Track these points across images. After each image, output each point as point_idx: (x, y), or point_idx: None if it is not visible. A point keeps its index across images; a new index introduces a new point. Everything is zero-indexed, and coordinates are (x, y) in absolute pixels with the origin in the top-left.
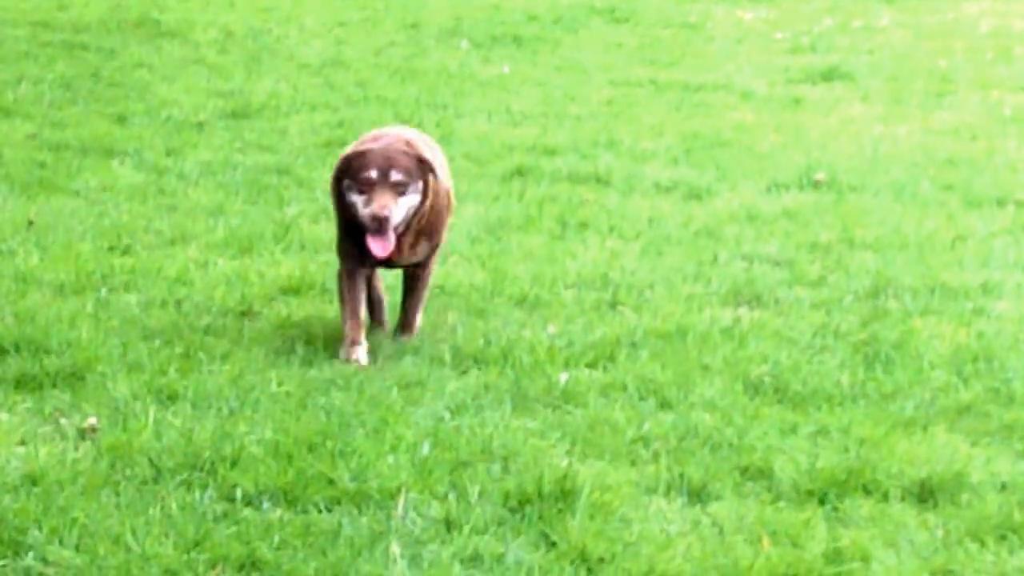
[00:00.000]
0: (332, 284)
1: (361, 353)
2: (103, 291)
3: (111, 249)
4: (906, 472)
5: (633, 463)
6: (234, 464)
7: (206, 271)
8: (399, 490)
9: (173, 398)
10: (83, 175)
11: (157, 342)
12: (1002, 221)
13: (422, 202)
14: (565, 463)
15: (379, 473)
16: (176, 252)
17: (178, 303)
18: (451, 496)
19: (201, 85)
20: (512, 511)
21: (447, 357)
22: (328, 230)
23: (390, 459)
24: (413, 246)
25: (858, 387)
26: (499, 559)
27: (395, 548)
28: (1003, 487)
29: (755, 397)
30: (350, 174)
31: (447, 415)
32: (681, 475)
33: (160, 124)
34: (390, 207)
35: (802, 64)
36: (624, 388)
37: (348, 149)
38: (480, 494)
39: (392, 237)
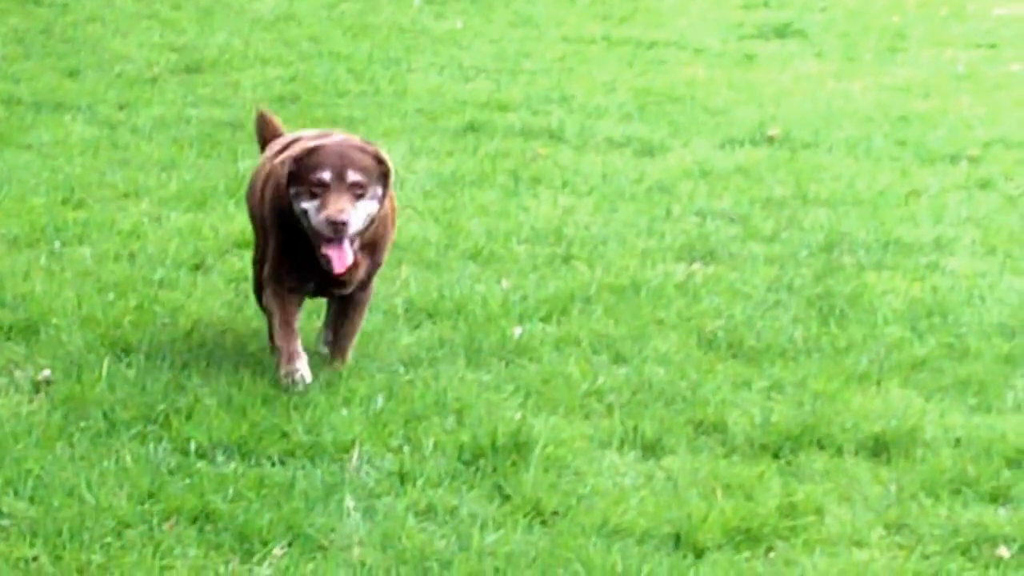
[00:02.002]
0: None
1: (303, 366)
2: (56, 244)
3: (64, 203)
4: (860, 426)
5: (587, 417)
6: (188, 417)
7: (159, 225)
8: (353, 443)
9: (127, 351)
10: (36, 129)
11: (111, 295)
12: (955, 177)
13: (379, 209)
14: (519, 417)
15: (333, 426)
16: (129, 206)
17: (131, 256)
18: (405, 449)
19: (154, 40)
20: (466, 464)
21: (401, 311)
22: None
23: (344, 412)
24: (356, 264)
25: (812, 342)
26: (453, 512)
27: (349, 501)
28: (957, 442)
29: (709, 352)
30: (299, 177)
31: (401, 369)
32: (635, 429)
33: (113, 79)
34: (348, 211)
35: (755, 20)
36: (578, 342)
37: (292, 151)
38: (434, 447)
39: (349, 249)
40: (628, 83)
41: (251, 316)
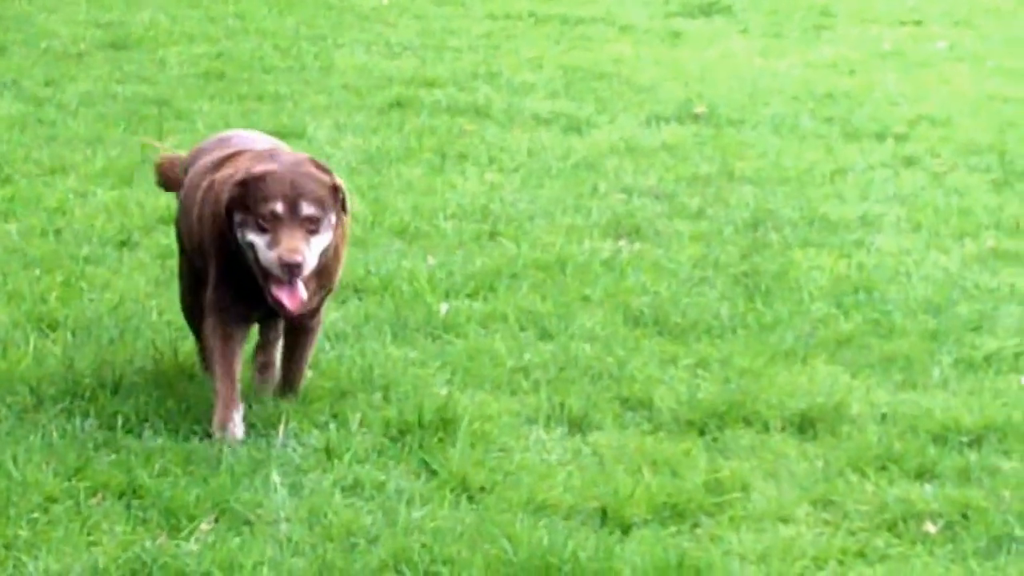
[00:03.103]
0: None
1: (237, 423)
2: None
3: None
4: (786, 403)
5: (513, 393)
6: (115, 392)
7: (85, 201)
8: (280, 419)
9: (53, 326)
10: None
11: (37, 271)
12: (881, 154)
13: (332, 240)
14: (445, 393)
15: (260, 402)
16: (55, 182)
17: (58, 232)
18: (331, 425)
19: (80, 16)
20: (392, 440)
21: None
22: None
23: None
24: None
25: (738, 319)
26: (380, 487)
27: (276, 476)
28: (883, 418)
29: (635, 328)
30: (246, 205)
31: (327, 345)
32: (561, 405)
33: (39, 55)
34: (302, 251)
35: None
36: (504, 319)
37: (235, 172)
38: (360, 423)
39: (302, 288)
40: (555, 60)
41: (176, 293)
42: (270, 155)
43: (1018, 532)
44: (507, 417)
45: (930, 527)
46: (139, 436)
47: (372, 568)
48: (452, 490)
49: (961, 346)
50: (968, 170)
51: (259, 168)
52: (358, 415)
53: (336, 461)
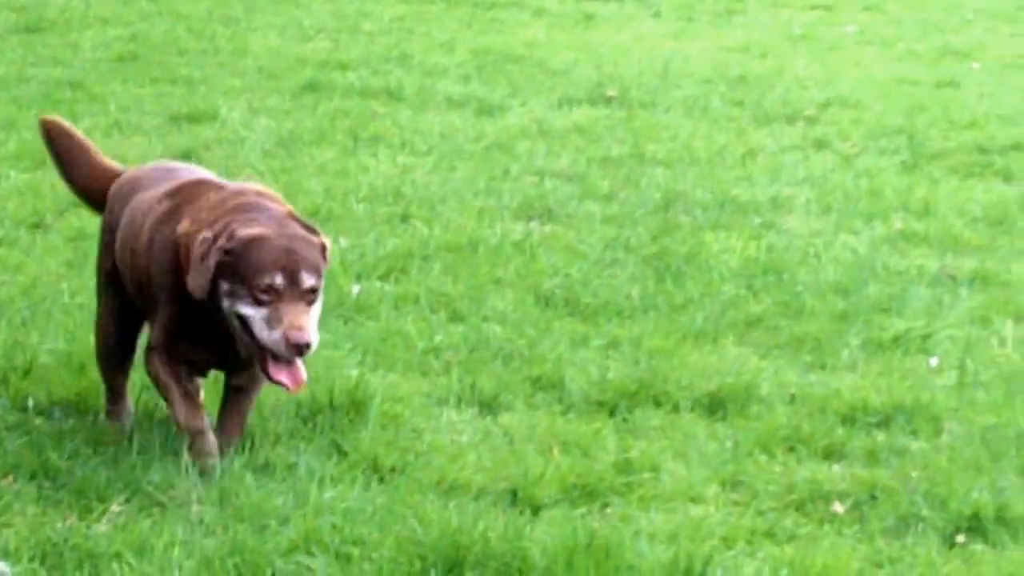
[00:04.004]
0: None
1: (213, 444)
2: None
3: None
4: (696, 384)
5: (424, 374)
6: (26, 374)
7: None
8: None
9: None
10: None
11: None
12: (792, 137)
13: None
14: (356, 374)
15: None
16: None
17: None
18: None
19: None
20: (304, 421)
21: None
22: (122, 146)
23: None
24: None
25: (648, 300)
26: (291, 469)
27: (187, 458)
28: (792, 399)
29: (546, 309)
30: (236, 273)
31: None
32: (472, 386)
33: None
34: (308, 329)
35: None
36: (416, 300)
37: (216, 230)
38: (272, 404)
39: (303, 366)
40: (467, 43)
41: (89, 275)
42: (244, 206)
43: (925, 512)
44: (418, 398)
45: (838, 507)
46: (50, 418)
47: (283, 548)
48: (363, 471)
49: (870, 327)
50: (878, 152)
51: (247, 232)
52: (273, 399)
53: (248, 442)
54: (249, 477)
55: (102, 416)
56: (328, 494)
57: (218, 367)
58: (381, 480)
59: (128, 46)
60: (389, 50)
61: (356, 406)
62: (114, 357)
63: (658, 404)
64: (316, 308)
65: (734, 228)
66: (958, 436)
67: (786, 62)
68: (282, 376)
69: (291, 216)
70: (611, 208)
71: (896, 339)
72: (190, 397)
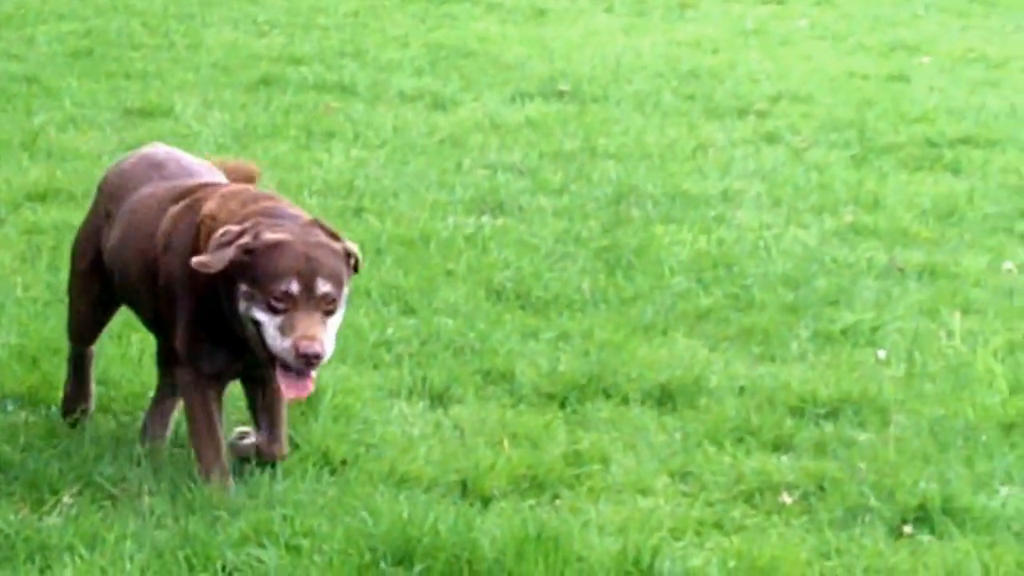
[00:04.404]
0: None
1: (230, 481)
2: None
3: None
4: (646, 376)
5: (376, 367)
6: None
7: None
8: (143, 393)
9: None
10: None
11: None
12: (742, 131)
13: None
14: None
15: (125, 377)
16: None
17: None
18: None
19: None
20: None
21: None
22: (77, 140)
23: (134, 364)
24: None
25: (599, 293)
26: (243, 460)
27: (139, 450)
28: (741, 391)
29: (497, 303)
30: (253, 277)
31: None
32: (423, 379)
33: None
34: (321, 339)
35: None
36: (368, 293)
37: (230, 230)
38: (225, 399)
39: (313, 376)
40: (420, 38)
41: (43, 269)
42: (272, 210)
43: (873, 503)
44: (369, 391)
45: (786, 498)
46: (3, 410)
47: (234, 540)
48: (314, 463)
49: (819, 320)
50: (828, 146)
51: (269, 236)
52: None
53: None
54: None
55: (59, 405)
56: (279, 486)
57: (246, 373)
58: (332, 472)
59: (83, 41)
60: (343, 45)
61: (308, 398)
62: (88, 340)
63: (608, 396)
64: (335, 318)
65: (685, 221)
66: (906, 428)
67: (737, 57)
68: (287, 387)
69: (317, 223)
70: (562, 202)
71: (845, 331)
72: (214, 430)
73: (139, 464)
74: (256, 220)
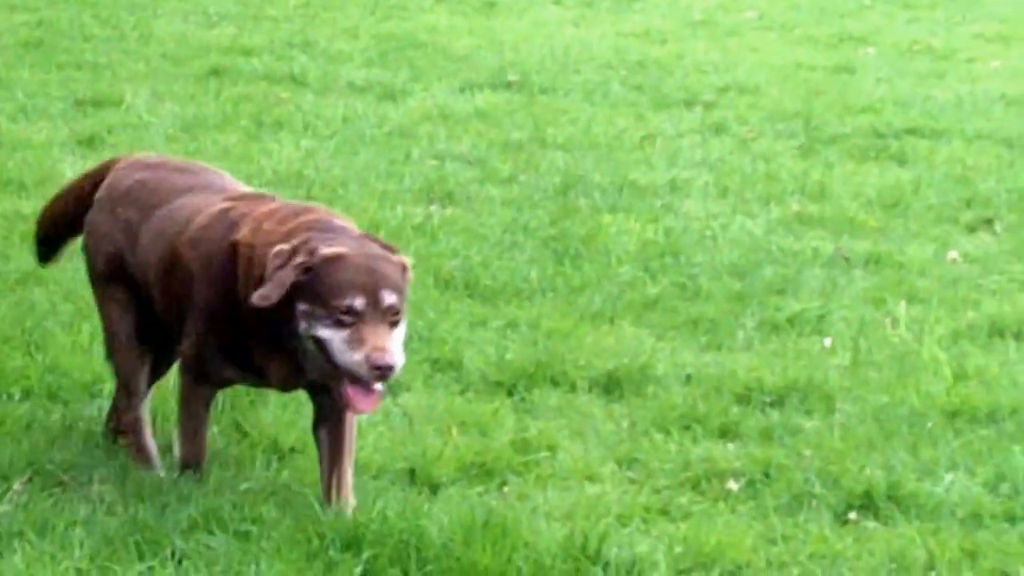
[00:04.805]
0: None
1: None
2: None
3: None
4: (593, 364)
5: None
6: None
7: None
8: (93, 382)
9: None
10: None
11: None
12: (690, 122)
13: None
14: None
15: (73, 366)
16: None
17: None
18: None
19: None
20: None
21: None
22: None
23: (84, 352)
24: None
25: (547, 282)
26: None
27: (88, 438)
28: (687, 379)
29: (446, 291)
30: (314, 293)
31: None
32: None
33: None
34: (393, 351)
35: None
36: None
37: (290, 245)
38: (174, 387)
39: (382, 389)
40: (370, 29)
41: None
42: (319, 223)
43: (819, 490)
44: None
45: (732, 485)
46: None
47: (183, 527)
48: (263, 451)
49: (765, 308)
50: (775, 136)
51: (326, 250)
52: (171, 379)
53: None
54: None
55: (124, 429)
56: (228, 473)
57: (263, 385)
58: (281, 459)
59: (34, 32)
60: (293, 36)
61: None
62: (131, 351)
63: (556, 384)
64: (399, 329)
65: (632, 211)
66: (851, 415)
67: (685, 48)
68: (358, 398)
69: (368, 237)
70: (511, 191)
71: (791, 320)
72: (201, 434)
73: (89, 451)
74: (306, 236)
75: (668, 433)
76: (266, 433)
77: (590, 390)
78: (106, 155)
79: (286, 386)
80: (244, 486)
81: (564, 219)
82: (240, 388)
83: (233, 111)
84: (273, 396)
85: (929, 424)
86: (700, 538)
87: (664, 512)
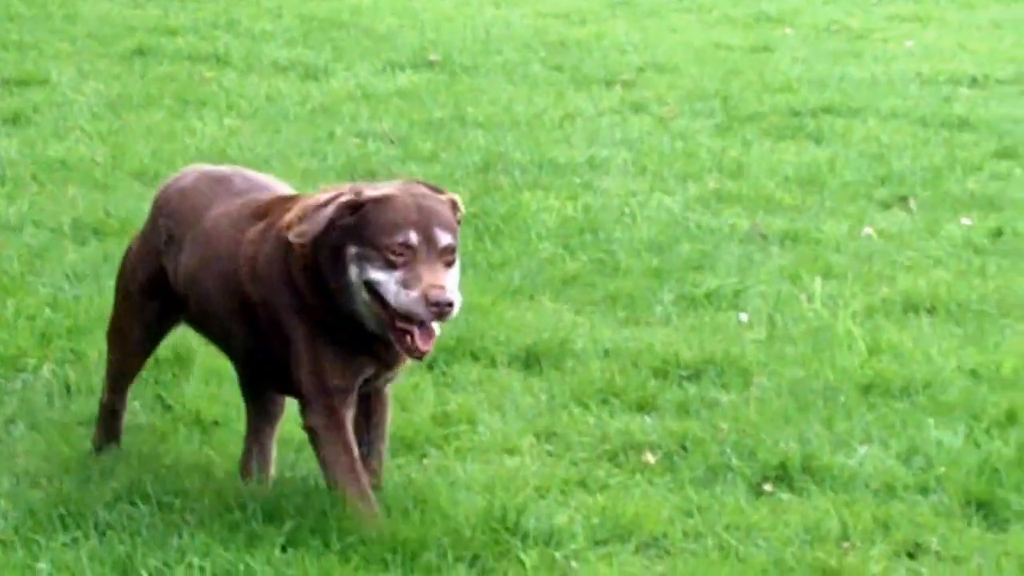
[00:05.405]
0: None
1: (375, 507)
2: None
3: None
4: (513, 339)
5: None
6: None
7: None
8: (18, 356)
9: None
10: None
11: None
12: (609, 101)
13: None
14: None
15: (0, 340)
16: None
17: None
18: (70, 362)
19: None
20: None
21: (67, 229)
22: None
23: (10, 327)
24: None
25: (467, 258)
26: None
27: (14, 411)
28: (606, 353)
29: None
30: (362, 236)
31: (66, 285)
32: None
33: None
34: (449, 288)
35: None
36: None
37: (339, 196)
38: (98, 360)
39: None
40: (293, 9)
41: None
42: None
43: (734, 462)
44: None
45: (649, 457)
46: None
47: (107, 499)
48: (186, 424)
49: (683, 284)
50: (693, 115)
51: (375, 193)
52: (96, 352)
53: (75, 396)
54: (77, 429)
55: (93, 432)
56: (152, 446)
57: (377, 375)
58: (204, 432)
59: None
60: (217, 16)
61: (180, 361)
62: (131, 371)
63: (476, 359)
64: (454, 269)
65: (552, 188)
66: (767, 389)
67: (605, 28)
68: (416, 337)
69: (415, 180)
70: (433, 169)
71: (708, 295)
72: (357, 471)
73: (15, 422)
74: (349, 187)
75: (586, 407)
76: (189, 406)
77: (510, 365)
78: (31, 133)
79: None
80: (167, 459)
81: (485, 196)
82: (163, 359)
83: (158, 90)
84: (195, 370)
85: (843, 397)
86: (617, 509)
87: (582, 484)
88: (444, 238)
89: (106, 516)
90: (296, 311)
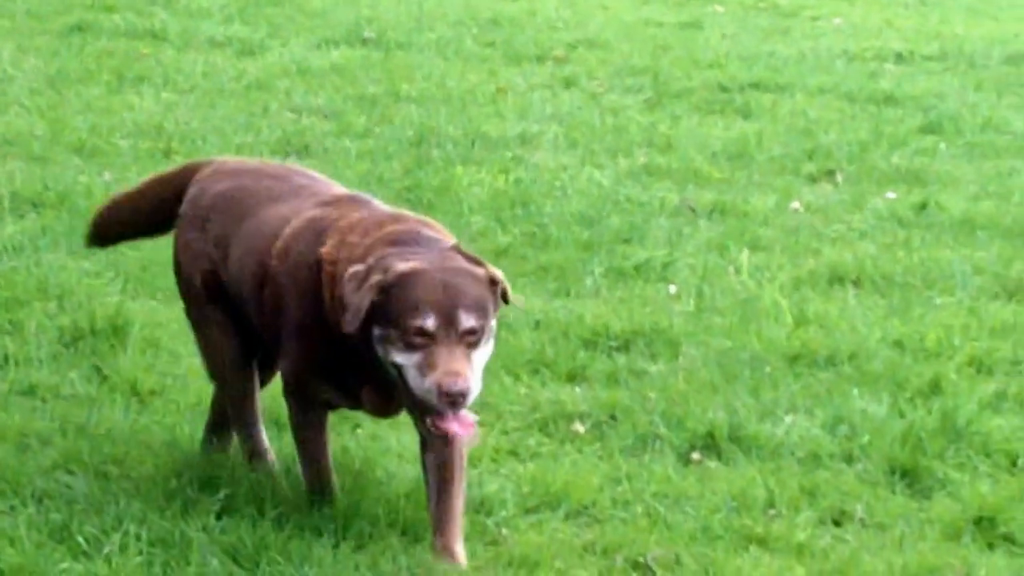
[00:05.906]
0: None
1: (332, 483)
2: None
3: None
4: None
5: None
6: None
7: None
8: None
9: None
10: None
11: None
12: (541, 76)
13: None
14: (117, 301)
15: None
16: None
17: None
18: (7, 332)
19: None
20: (66, 346)
21: (6, 202)
22: None
23: None
24: None
25: None
26: (55, 391)
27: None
28: (537, 324)
29: None
30: (387, 314)
31: (4, 257)
32: None
33: None
34: (465, 376)
35: None
36: None
37: (366, 264)
38: (36, 330)
39: (469, 413)
40: None
41: None
42: (402, 235)
43: (663, 431)
44: (177, 324)
45: (579, 427)
46: None
47: (44, 468)
48: (123, 394)
49: (613, 256)
50: (623, 91)
51: (400, 266)
52: (34, 323)
53: (12, 367)
54: (16, 399)
55: (245, 457)
56: (88, 416)
57: (353, 409)
58: (141, 402)
59: None
60: None
61: (117, 332)
62: (238, 376)
63: None
64: (481, 351)
65: (484, 163)
66: (695, 359)
67: (537, 5)
68: (449, 426)
69: (456, 248)
70: (366, 144)
71: (637, 267)
72: (325, 466)
73: None
74: (383, 252)
75: (517, 377)
76: (125, 376)
77: None
78: None
79: (380, 414)
80: (105, 428)
81: (418, 170)
82: (100, 329)
83: (96, 66)
84: (132, 340)
85: (770, 368)
86: (547, 478)
87: (513, 453)
88: (467, 321)
89: (43, 484)
90: (303, 318)
